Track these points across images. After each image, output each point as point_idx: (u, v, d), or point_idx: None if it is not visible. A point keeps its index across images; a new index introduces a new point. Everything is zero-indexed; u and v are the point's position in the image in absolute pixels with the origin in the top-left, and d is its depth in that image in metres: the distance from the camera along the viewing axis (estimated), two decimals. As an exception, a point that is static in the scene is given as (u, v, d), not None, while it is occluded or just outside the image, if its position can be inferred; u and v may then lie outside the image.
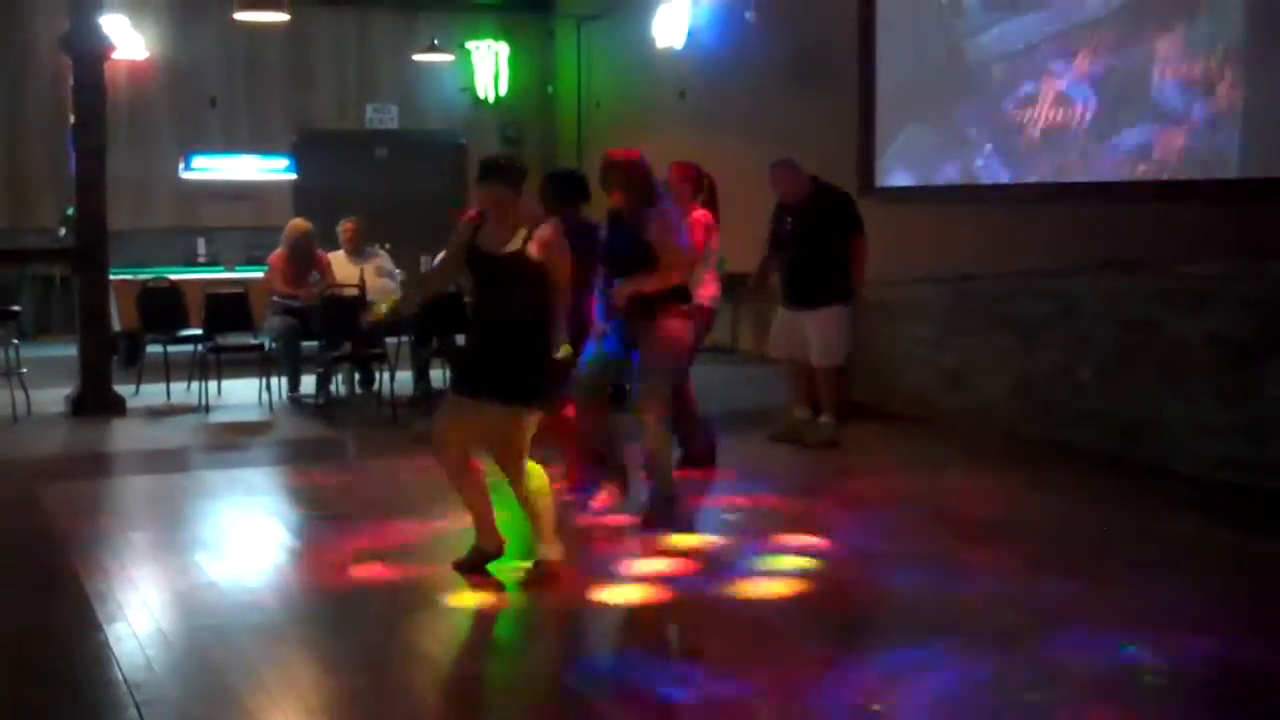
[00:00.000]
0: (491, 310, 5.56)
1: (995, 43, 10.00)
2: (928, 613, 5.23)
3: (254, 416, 9.86)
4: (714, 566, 5.87)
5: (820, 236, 8.33)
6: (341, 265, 10.57)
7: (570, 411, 6.68)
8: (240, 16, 13.48)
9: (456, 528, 6.03)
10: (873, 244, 8.47)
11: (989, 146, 10.08)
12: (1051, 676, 4.48)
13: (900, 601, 5.50)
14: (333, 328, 9.81)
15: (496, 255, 5.48)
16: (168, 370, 10.48)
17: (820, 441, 8.41)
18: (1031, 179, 9.68)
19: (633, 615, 5.26)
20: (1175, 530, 6.40)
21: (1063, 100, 9.39)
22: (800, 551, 6.00)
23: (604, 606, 5.34)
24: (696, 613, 5.34)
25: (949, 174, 10.50)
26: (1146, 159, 8.85)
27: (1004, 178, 9.94)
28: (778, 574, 5.69)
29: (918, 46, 10.75)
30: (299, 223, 10.65)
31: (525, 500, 5.56)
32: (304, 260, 10.43)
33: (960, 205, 10.32)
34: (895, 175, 11.04)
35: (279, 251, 10.57)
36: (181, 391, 10.48)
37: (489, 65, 16.23)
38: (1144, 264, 8.07)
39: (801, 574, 5.68)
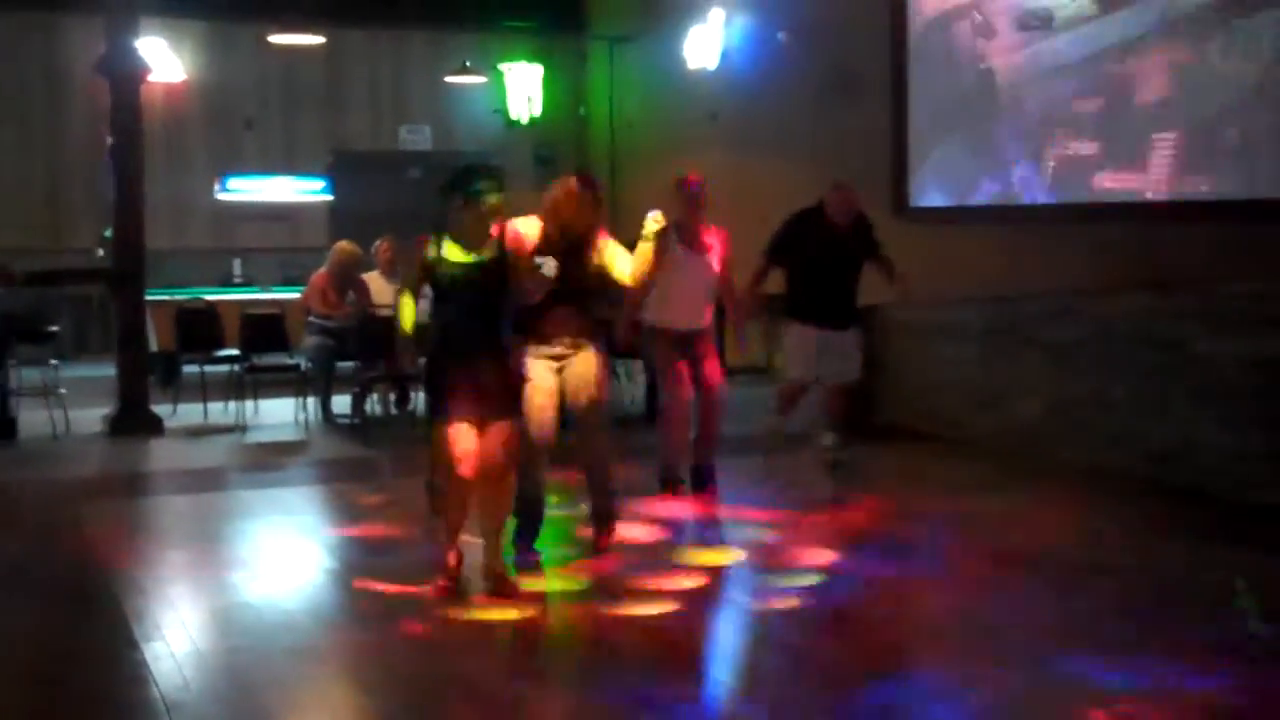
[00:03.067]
0: (469, 326, 5.60)
1: (1028, 62, 10.00)
2: (960, 638, 5.22)
3: (290, 436, 9.91)
4: (742, 588, 5.87)
5: (860, 258, 8.24)
6: (377, 286, 10.62)
7: None
8: (275, 39, 13.64)
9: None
10: (905, 265, 8.45)
11: (1022, 166, 10.07)
12: (1085, 703, 4.46)
13: (933, 627, 5.48)
14: (369, 348, 9.87)
15: (468, 265, 5.58)
16: (204, 390, 10.56)
17: (842, 461, 8.36)
18: (1065, 199, 9.66)
19: (672, 636, 5.25)
20: (1210, 556, 6.34)
21: (1096, 120, 9.38)
22: (833, 574, 5.99)
23: (639, 626, 5.33)
24: (723, 634, 5.34)
25: (982, 194, 10.49)
26: (1182, 179, 8.82)
27: (1038, 198, 9.92)
28: (809, 596, 5.67)
29: (950, 66, 10.75)
30: (346, 246, 10.67)
31: (496, 509, 5.69)
32: (345, 282, 10.49)
33: (994, 225, 10.30)
34: (928, 195, 11.04)
35: (322, 271, 10.62)
36: (218, 411, 10.55)
37: (522, 87, 16.30)
38: (1180, 285, 8.03)
39: (833, 597, 5.67)
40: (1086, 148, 9.46)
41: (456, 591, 5.60)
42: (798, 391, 8.45)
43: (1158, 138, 8.94)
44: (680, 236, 7.52)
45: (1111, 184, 9.30)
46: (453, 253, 5.60)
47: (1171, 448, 7.74)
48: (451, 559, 5.70)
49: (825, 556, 6.29)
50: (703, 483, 7.71)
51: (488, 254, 5.58)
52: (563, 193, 6.17)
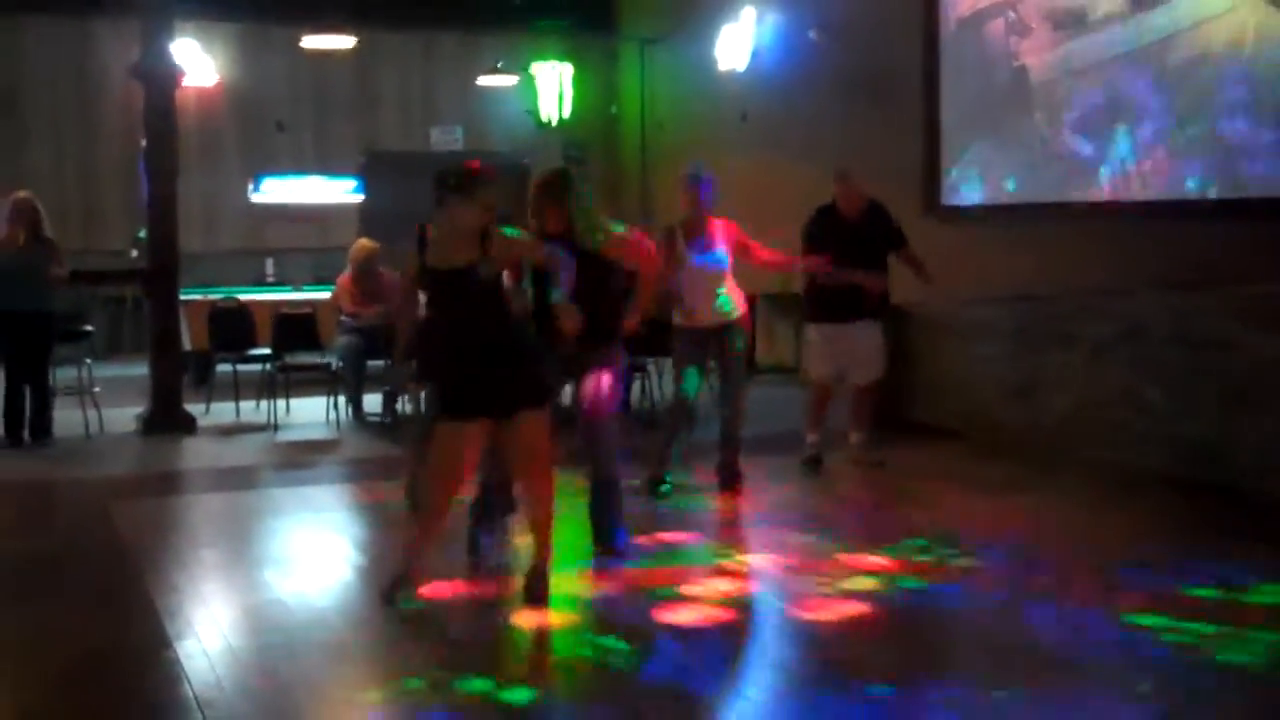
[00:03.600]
0: (475, 325, 5.40)
1: (1061, 61, 9.95)
2: (996, 639, 5.19)
3: (322, 435, 9.96)
4: (780, 589, 5.86)
5: (882, 249, 8.25)
6: (407, 286, 10.65)
7: None
8: (307, 42, 13.71)
9: (524, 543, 6.08)
10: (937, 262, 8.42)
11: (1055, 165, 10.02)
12: (1121, 702, 4.44)
13: (967, 626, 5.45)
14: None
15: (457, 270, 5.33)
16: (237, 389, 10.62)
17: (877, 461, 8.35)
18: (1097, 198, 9.61)
19: (702, 637, 5.24)
20: (1243, 555, 6.29)
21: (1130, 118, 9.32)
22: (868, 573, 5.96)
23: (674, 627, 5.32)
24: (763, 635, 5.33)
25: (1014, 192, 10.44)
26: (1215, 176, 8.76)
27: (1070, 196, 9.87)
28: (844, 597, 5.65)
29: (983, 65, 10.71)
30: (364, 243, 10.76)
31: (540, 504, 5.55)
32: (370, 280, 10.54)
33: (1026, 223, 10.25)
34: (960, 194, 11.00)
35: (345, 273, 10.69)
36: (251, 410, 10.61)
37: (553, 87, 16.32)
38: (1212, 283, 7.97)
39: (869, 597, 5.65)
40: (1119, 146, 9.41)
41: (401, 601, 5.45)
42: (824, 395, 8.35)
43: (1191, 135, 8.88)
44: (686, 234, 7.46)
45: (1144, 182, 9.25)
46: (441, 258, 5.38)
47: (1204, 447, 7.68)
48: (417, 571, 5.54)
49: (855, 558, 6.27)
50: (730, 484, 7.68)
51: (477, 256, 5.32)
52: (531, 188, 6.09)
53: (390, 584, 5.51)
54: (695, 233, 7.48)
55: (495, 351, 5.38)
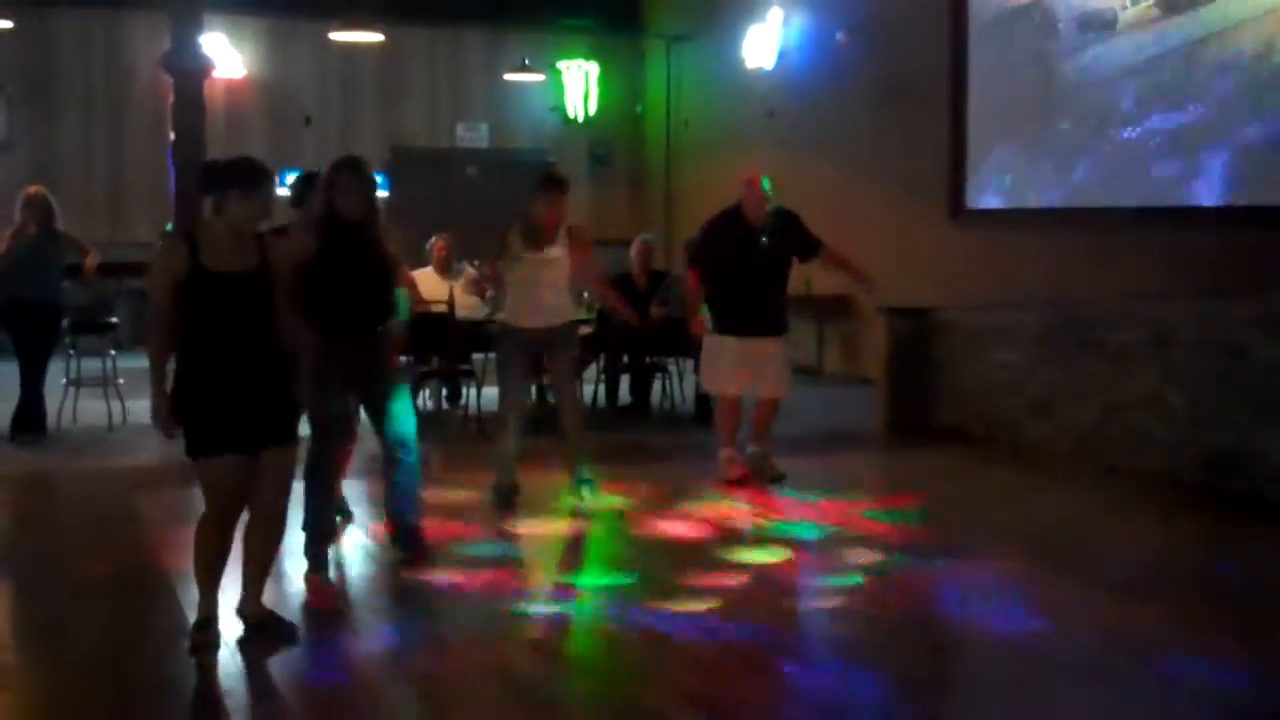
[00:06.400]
0: (245, 339, 4.80)
1: (1089, 65, 9.92)
2: (1015, 644, 5.18)
3: (343, 430, 9.96)
4: (788, 587, 5.86)
5: (787, 260, 7.89)
6: (432, 282, 10.65)
7: None
8: (336, 36, 13.76)
9: (538, 543, 6.10)
10: (962, 266, 8.39)
11: (1081, 170, 9.99)
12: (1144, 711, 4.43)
13: (986, 632, 5.44)
14: (421, 343, 9.90)
15: (236, 274, 4.76)
16: (259, 383, 10.63)
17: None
18: (1123, 203, 9.58)
19: (714, 636, 5.25)
20: (1271, 563, 6.27)
21: (1156, 124, 9.29)
22: (885, 576, 5.96)
23: (686, 626, 5.33)
24: (772, 632, 5.34)
25: (1040, 197, 10.42)
26: (1241, 184, 8.72)
27: (1096, 202, 9.84)
28: (857, 598, 5.65)
29: (1010, 68, 10.68)
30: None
31: (273, 541, 5.13)
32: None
33: (1051, 229, 10.22)
34: (985, 198, 10.97)
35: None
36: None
37: (579, 85, 16.38)
38: (1238, 290, 7.93)
39: (883, 600, 5.65)
40: (1147, 151, 9.37)
41: (215, 647, 4.83)
42: (730, 409, 7.94)
43: (1219, 142, 8.84)
44: (530, 235, 7.12)
45: (1171, 188, 9.21)
46: (213, 260, 4.73)
47: (1229, 454, 7.64)
48: (206, 609, 4.87)
49: (884, 562, 6.27)
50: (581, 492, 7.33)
51: (253, 261, 4.80)
52: (332, 172, 5.88)
53: (196, 624, 4.89)
54: (541, 234, 7.11)
55: (256, 375, 4.83)
